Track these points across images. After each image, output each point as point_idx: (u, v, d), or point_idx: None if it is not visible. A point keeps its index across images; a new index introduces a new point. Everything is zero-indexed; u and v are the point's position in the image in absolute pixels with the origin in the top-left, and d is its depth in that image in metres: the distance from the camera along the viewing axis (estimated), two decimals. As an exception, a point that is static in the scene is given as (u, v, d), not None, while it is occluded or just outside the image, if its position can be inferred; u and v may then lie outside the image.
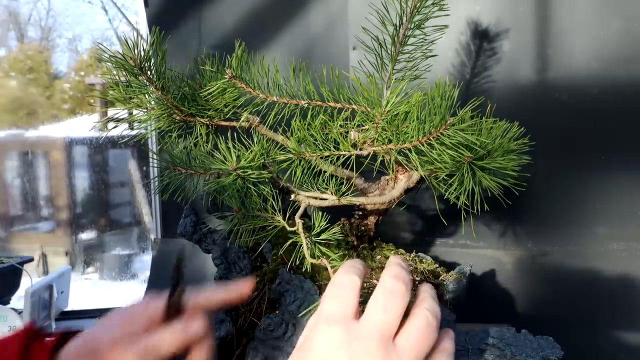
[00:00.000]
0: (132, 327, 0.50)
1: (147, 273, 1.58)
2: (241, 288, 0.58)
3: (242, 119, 0.83)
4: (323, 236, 0.70)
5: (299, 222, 0.75)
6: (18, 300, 1.52)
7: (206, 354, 0.54)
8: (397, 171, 0.84)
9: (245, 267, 0.91)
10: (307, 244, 0.64)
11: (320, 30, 1.32)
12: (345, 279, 0.48)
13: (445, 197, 0.80)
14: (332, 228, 0.75)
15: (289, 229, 0.77)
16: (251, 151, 0.75)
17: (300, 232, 0.73)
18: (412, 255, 0.96)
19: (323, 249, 0.70)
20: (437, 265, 0.94)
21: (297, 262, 0.76)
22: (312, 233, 0.72)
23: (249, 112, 0.84)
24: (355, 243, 0.91)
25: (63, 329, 0.51)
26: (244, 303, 0.53)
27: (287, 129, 0.83)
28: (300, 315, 0.74)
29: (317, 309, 0.49)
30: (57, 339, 0.49)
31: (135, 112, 0.86)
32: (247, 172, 0.72)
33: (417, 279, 0.88)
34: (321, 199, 0.80)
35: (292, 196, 0.79)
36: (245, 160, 0.72)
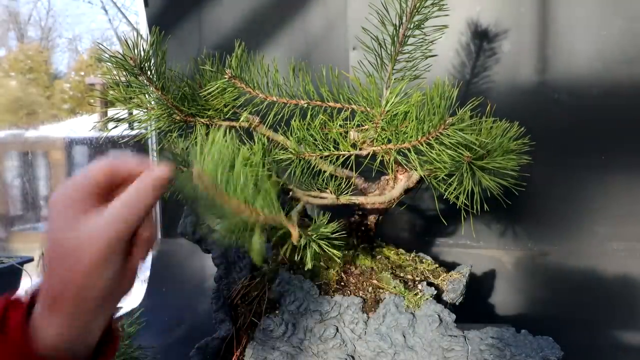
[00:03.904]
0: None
1: (147, 273, 1.58)
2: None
3: (242, 118, 0.83)
4: (323, 231, 0.70)
5: (294, 213, 0.75)
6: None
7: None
8: (397, 171, 0.84)
9: (245, 267, 0.91)
10: (300, 234, 0.63)
11: (320, 30, 1.32)
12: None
13: (445, 197, 0.80)
14: (332, 224, 0.74)
15: (286, 223, 0.76)
16: (251, 149, 0.75)
17: (294, 223, 0.72)
18: (412, 255, 0.96)
19: (323, 243, 0.69)
20: (437, 265, 0.94)
21: (298, 259, 0.75)
22: (313, 229, 0.71)
23: (249, 112, 0.84)
24: (355, 242, 0.91)
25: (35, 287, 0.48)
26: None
27: (286, 128, 0.83)
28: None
29: None
30: (33, 294, 0.47)
31: (135, 112, 0.86)
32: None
33: (417, 279, 0.88)
34: (320, 197, 0.80)
35: (291, 194, 0.79)
36: (244, 158, 0.72)
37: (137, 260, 0.47)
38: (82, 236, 0.43)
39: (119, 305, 0.50)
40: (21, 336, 0.43)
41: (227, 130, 0.48)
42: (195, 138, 0.85)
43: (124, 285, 0.47)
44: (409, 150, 0.73)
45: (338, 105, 0.83)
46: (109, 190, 0.47)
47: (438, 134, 0.70)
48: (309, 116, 0.83)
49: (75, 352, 0.46)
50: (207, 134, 0.49)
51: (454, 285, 0.85)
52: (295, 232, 0.58)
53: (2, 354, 0.43)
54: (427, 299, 0.78)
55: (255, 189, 0.47)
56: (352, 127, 0.80)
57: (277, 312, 0.80)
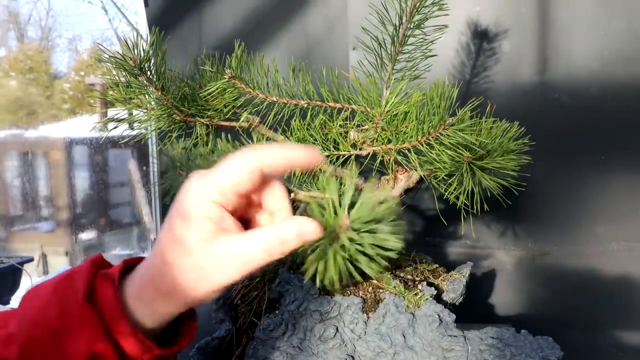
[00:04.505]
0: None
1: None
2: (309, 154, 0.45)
3: (241, 119, 0.83)
4: None
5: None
6: (18, 300, 1.52)
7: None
8: (397, 171, 0.84)
9: (245, 267, 0.91)
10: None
11: (320, 30, 1.32)
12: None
13: (445, 197, 0.80)
14: None
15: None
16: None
17: None
18: (412, 255, 0.96)
19: None
20: (437, 265, 0.94)
21: (298, 260, 0.75)
22: None
23: (249, 112, 0.84)
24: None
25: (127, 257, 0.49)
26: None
27: (286, 129, 0.83)
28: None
29: None
30: (122, 266, 0.47)
31: (135, 112, 0.86)
32: None
33: (417, 279, 0.88)
34: (321, 198, 0.79)
35: (292, 195, 0.79)
36: None
37: None
38: (213, 259, 0.42)
39: None
40: (113, 311, 0.43)
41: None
42: (196, 138, 0.85)
43: None
44: (409, 150, 0.73)
45: (338, 105, 0.83)
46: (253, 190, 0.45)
47: (438, 134, 0.70)
48: (309, 116, 0.83)
49: (157, 330, 0.46)
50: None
51: (454, 285, 0.85)
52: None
53: (88, 324, 0.43)
54: (427, 299, 0.78)
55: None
56: (352, 127, 0.80)
57: (277, 312, 0.80)
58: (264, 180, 0.46)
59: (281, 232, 0.43)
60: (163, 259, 0.44)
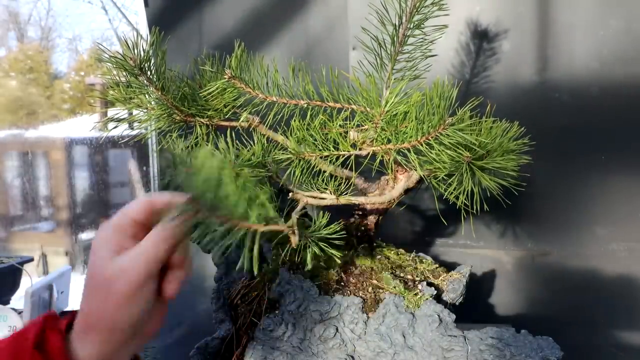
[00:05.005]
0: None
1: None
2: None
3: (241, 119, 0.83)
4: (323, 232, 0.70)
5: (294, 217, 0.75)
6: (18, 300, 1.52)
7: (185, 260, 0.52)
8: (397, 171, 0.84)
9: (245, 267, 0.91)
10: (298, 236, 0.63)
11: (320, 30, 1.32)
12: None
13: (445, 197, 0.80)
14: (332, 226, 0.75)
15: (287, 230, 0.76)
16: (249, 150, 0.75)
17: (294, 226, 0.72)
18: (412, 255, 0.96)
19: (322, 244, 0.69)
20: (437, 265, 0.94)
21: (298, 260, 0.75)
22: (312, 230, 0.71)
23: (249, 112, 0.84)
24: (355, 242, 0.91)
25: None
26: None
27: (286, 129, 0.83)
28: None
29: None
30: (69, 318, 0.51)
31: (135, 112, 0.86)
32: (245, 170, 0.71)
33: (417, 279, 0.88)
34: (320, 198, 0.80)
35: (291, 195, 0.79)
36: (244, 159, 0.72)
37: (167, 295, 0.51)
38: (114, 271, 0.47)
39: (149, 338, 0.52)
40: (60, 357, 0.47)
41: (212, 150, 0.48)
42: (196, 138, 0.85)
43: (155, 319, 0.51)
44: (408, 150, 0.73)
45: (338, 105, 0.83)
46: (147, 227, 0.50)
47: (438, 134, 0.70)
48: (308, 116, 0.83)
49: None
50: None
51: (454, 285, 0.85)
52: (294, 237, 0.59)
53: None
54: (427, 299, 0.78)
55: (249, 203, 0.46)
56: (352, 127, 0.80)
57: (277, 312, 0.80)
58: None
59: (159, 225, 0.49)
60: (83, 302, 0.49)
